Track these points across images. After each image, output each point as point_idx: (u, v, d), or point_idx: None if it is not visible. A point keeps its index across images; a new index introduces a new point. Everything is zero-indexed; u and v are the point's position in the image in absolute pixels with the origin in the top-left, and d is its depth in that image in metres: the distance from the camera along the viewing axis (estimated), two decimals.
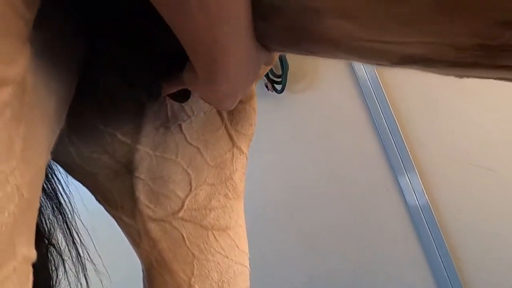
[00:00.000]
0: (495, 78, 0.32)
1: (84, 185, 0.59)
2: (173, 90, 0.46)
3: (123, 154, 0.55)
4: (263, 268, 1.67)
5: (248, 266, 0.56)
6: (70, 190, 0.66)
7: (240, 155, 0.57)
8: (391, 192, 1.49)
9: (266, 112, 1.64)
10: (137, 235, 0.55)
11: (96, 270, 0.68)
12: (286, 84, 1.59)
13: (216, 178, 0.55)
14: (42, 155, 0.30)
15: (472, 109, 1.37)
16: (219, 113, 0.56)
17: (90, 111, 0.54)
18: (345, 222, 1.58)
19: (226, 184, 0.56)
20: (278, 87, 1.62)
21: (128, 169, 0.56)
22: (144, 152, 0.55)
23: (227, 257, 0.53)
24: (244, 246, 0.57)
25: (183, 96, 0.52)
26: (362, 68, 1.49)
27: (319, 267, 1.64)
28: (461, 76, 0.34)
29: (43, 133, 0.30)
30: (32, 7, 0.25)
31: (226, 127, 0.56)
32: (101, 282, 0.72)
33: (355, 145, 1.54)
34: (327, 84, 1.58)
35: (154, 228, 0.53)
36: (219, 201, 0.55)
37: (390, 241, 1.51)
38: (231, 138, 0.56)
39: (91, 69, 0.45)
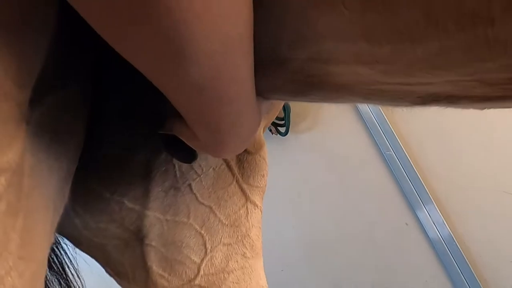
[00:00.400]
0: None
1: (92, 257, 0.56)
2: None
3: (132, 222, 0.53)
4: None
5: None
6: (77, 263, 0.63)
7: (255, 209, 0.54)
8: (410, 227, 1.44)
9: (272, 156, 1.62)
10: None
11: None
12: (290, 126, 1.58)
13: (232, 237, 0.52)
14: (43, 245, 0.27)
15: (484, 131, 1.34)
16: (229, 168, 0.54)
17: (95, 179, 0.52)
18: (366, 263, 1.52)
19: (243, 242, 0.52)
20: (282, 129, 1.61)
21: (138, 237, 0.53)
22: (154, 217, 0.52)
23: None
24: None
25: (189, 155, 0.49)
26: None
27: None
28: (483, 108, 0.32)
29: (44, 219, 0.27)
30: (26, 87, 0.24)
31: (237, 182, 0.54)
32: None
33: (366, 181, 1.51)
34: (331, 121, 1.57)
35: None
36: (237, 261, 0.51)
37: (416, 278, 1.44)
38: (243, 192, 0.54)
39: (94, 136, 0.44)
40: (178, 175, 0.53)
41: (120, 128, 0.50)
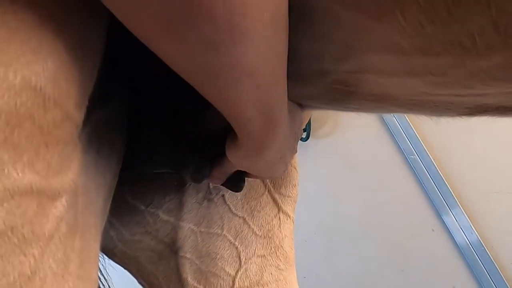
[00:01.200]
0: None
1: (126, 269, 0.57)
2: (219, 174, 0.44)
3: (166, 234, 0.53)
4: None
5: None
6: (108, 273, 0.63)
7: (287, 219, 0.54)
8: (437, 233, 1.42)
9: None
10: None
11: None
12: (311, 131, 1.58)
13: (265, 248, 0.52)
14: (96, 263, 0.28)
15: (510, 134, 1.31)
16: None
17: (130, 192, 0.53)
18: (391, 269, 1.49)
19: (276, 254, 0.52)
20: (303, 135, 1.61)
21: (172, 249, 0.53)
22: (188, 229, 0.52)
23: None
24: None
25: (237, 185, 0.49)
26: None
27: None
28: None
29: (95, 237, 0.28)
30: (82, 107, 0.24)
31: (269, 192, 0.54)
32: None
33: (390, 186, 1.49)
34: (352, 125, 1.56)
35: None
36: (271, 274, 0.51)
37: (445, 284, 1.42)
38: (275, 202, 0.54)
39: (131, 154, 0.45)
40: (211, 187, 0.54)
41: (156, 143, 0.51)
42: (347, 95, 0.33)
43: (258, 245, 0.52)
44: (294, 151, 0.44)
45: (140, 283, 0.55)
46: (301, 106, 0.43)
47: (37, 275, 0.19)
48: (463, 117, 0.31)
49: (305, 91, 0.37)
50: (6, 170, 0.18)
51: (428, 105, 0.30)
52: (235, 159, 0.38)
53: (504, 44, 0.20)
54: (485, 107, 0.28)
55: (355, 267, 1.55)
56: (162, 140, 0.49)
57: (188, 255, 0.51)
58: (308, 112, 0.60)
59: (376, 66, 0.27)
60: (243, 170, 0.43)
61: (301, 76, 0.33)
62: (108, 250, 0.56)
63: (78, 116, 0.23)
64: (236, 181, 0.47)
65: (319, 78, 0.32)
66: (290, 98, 0.35)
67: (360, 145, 1.54)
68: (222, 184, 0.47)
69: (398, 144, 1.46)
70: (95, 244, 0.29)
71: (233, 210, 0.53)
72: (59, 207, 0.21)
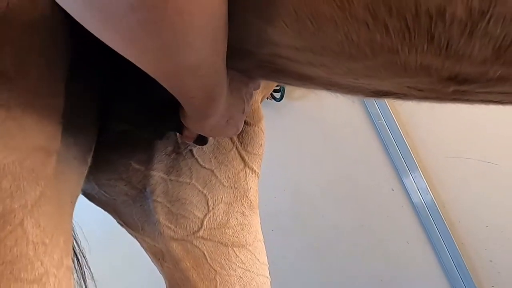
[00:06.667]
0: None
1: (105, 210, 0.62)
2: (189, 134, 0.50)
3: (138, 181, 0.59)
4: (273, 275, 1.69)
5: (269, 276, 0.59)
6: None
7: (252, 174, 0.60)
8: (396, 192, 1.52)
9: (267, 120, 1.66)
10: (160, 254, 0.58)
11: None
12: (285, 92, 1.62)
13: (231, 197, 0.58)
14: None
15: (472, 106, 1.39)
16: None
17: (107, 146, 0.58)
18: (351, 225, 1.61)
19: (242, 202, 0.58)
20: (277, 95, 1.65)
21: (144, 194, 0.59)
22: (159, 177, 0.58)
23: (249, 270, 0.56)
24: (264, 258, 0.60)
25: (202, 141, 0.55)
26: None
27: (328, 270, 1.66)
28: (434, 103, 0.38)
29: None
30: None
31: (237, 148, 0.59)
32: None
33: (357, 148, 1.57)
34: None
35: (176, 247, 0.56)
36: (236, 219, 0.58)
37: (398, 240, 1.54)
38: (242, 158, 0.59)
39: (108, 120, 0.50)
40: (179, 141, 0.59)
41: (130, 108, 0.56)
42: (275, 72, 0.38)
43: (225, 194, 0.58)
44: (244, 112, 0.49)
45: (118, 222, 0.61)
46: (252, 78, 0.48)
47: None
48: (371, 98, 0.36)
49: (242, 66, 0.41)
50: None
51: (339, 87, 0.36)
52: (187, 125, 0.44)
53: (359, 55, 0.25)
54: (384, 92, 0.34)
55: (319, 221, 1.66)
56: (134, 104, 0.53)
57: (159, 199, 0.57)
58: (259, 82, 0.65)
59: (285, 55, 0.32)
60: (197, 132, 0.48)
61: (236, 53, 0.38)
62: (89, 194, 0.61)
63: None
64: (201, 138, 0.53)
65: (249, 57, 0.37)
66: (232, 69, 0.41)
67: (331, 109, 1.60)
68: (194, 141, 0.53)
69: (368, 110, 1.53)
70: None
71: (201, 162, 0.58)
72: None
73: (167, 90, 0.33)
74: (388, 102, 1.50)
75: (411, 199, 1.49)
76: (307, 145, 1.65)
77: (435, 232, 1.46)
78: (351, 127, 1.57)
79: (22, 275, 0.34)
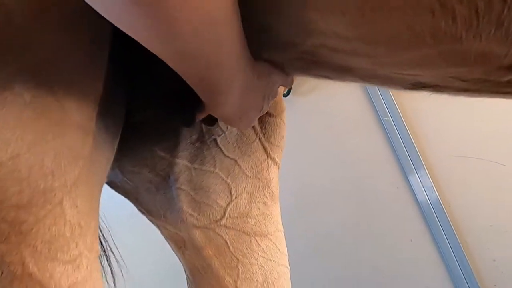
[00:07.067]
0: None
1: (127, 198, 0.63)
2: (203, 115, 0.50)
3: (162, 168, 0.59)
4: None
5: (288, 266, 0.60)
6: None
7: (274, 165, 0.61)
8: (401, 190, 1.53)
9: None
10: (182, 242, 0.58)
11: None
12: (292, 87, 1.62)
13: (254, 187, 0.59)
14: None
15: (480, 101, 1.39)
16: (252, 127, 0.60)
17: (131, 136, 0.58)
18: (356, 222, 1.61)
19: (264, 192, 0.59)
20: (284, 90, 1.65)
21: (168, 182, 0.60)
22: (183, 165, 0.59)
23: (270, 259, 0.57)
24: (284, 248, 0.60)
25: (211, 120, 0.55)
26: None
27: (331, 268, 1.67)
28: (460, 96, 0.38)
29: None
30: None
31: (260, 140, 0.60)
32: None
33: (363, 145, 1.57)
34: (332, 85, 1.61)
35: (198, 235, 0.56)
36: (259, 208, 0.58)
37: (402, 239, 1.55)
38: (265, 149, 0.60)
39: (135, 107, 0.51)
40: (204, 130, 0.59)
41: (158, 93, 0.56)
42: (315, 64, 0.39)
43: (248, 183, 0.59)
44: (262, 111, 0.49)
45: (139, 210, 0.62)
46: (285, 72, 0.48)
47: None
48: (408, 90, 0.37)
49: (280, 58, 0.42)
50: None
51: (378, 79, 0.36)
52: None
53: (419, 44, 0.26)
54: (424, 85, 0.34)
55: (322, 218, 1.66)
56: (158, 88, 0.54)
57: (183, 187, 0.58)
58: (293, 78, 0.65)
59: (332, 45, 0.33)
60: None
61: (276, 45, 0.38)
62: (112, 182, 0.62)
63: None
64: (210, 118, 0.53)
65: (291, 48, 0.38)
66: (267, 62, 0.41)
67: (338, 105, 1.60)
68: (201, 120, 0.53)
69: (375, 107, 1.53)
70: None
71: (225, 152, 0.59)
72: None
73: None
74: (395, 99, 1.50)
75: (416, 197, 1.50)
76: (312, 141, 1.65)
77: (439, 231, 1.47)
78: (357, 124, 1.57)
79: (58, 255, 0.34)
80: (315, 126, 1.64)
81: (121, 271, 0.61)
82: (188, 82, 0.35)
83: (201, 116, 0.51)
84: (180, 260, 0.62)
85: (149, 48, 0.29)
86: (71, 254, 0.35)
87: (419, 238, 1.52)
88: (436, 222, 1.47)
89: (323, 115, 1.63)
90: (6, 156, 0.29)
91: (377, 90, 1.52)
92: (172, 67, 0.32)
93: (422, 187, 1.48)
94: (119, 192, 0.62)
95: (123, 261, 0.67)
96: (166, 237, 0.62)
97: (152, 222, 0.62)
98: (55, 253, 0.34)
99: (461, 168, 1.44)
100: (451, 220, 1.45)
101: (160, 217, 0.60)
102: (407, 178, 1.51)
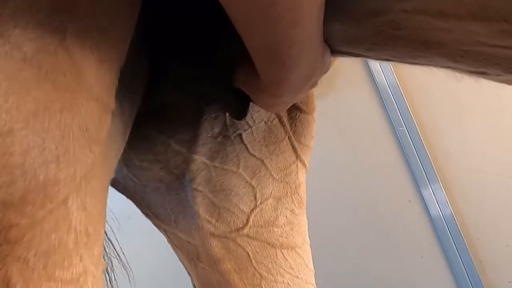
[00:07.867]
0: None
1: (130, 198, 0.55)
2: (240, 82, 0.43)
3: (177, 165, 0.51)
4: None
5: (315, 285, 0.52)
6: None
7: (303, 168, 0.54)
8: (413, 204, 1.46)
9: None
10: (194, 253, 0.50)
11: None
12: None
13: (281, 192, 0.51)
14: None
15: (498, 116, 1.34)
16: (282, 124, 0.52)
17: (144, 118, 0.50)
18: (367, 235, 1.54)
19: (292, 198, 0.51)
20: None
21: (182, 181, 0.51)
22: (201, 162, 0.51)
23: (297, 276, 0.49)
24: (311, 263, 0.53)
25: (240, 113, 0.49)
26: (381, 73, 1.46)
27: (342, 281, 1.59)
28: None
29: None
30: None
31: (289, 138, 0.52)
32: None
33: (375, 154, 1.51)
34: (345, 89, 1.55)
35: (216, 246, 0.48)
36: (286, 217, 0.51)
37: (412, 255, 1.48)
38: (295, 150, 0.52)
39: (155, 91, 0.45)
40: (228, 123, 0.52)
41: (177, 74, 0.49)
42: (393, 40, 0.32)
43: (275, 187, 0.51)
44: (302, 95, 0.44)
45: (144, 212, 0.54)
46: (337, 52, 0.41)
47: None
48: (507, 75, 0.30)
49: (351, 33, 0.35)
50: None
51: (477, 58, 0.29)
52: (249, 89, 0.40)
53: None
54: None
55: (329, 228, 1.59)
56: (190, 70, 0.47)
57: (200, 188, 0.50)
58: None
59: (439, 7, 0.25)
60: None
61: (354, 14, 0.32)
62: (113, 178, 0.54)
63: None
64: (240, 111, 0.49)
65: (371, 18, 0.31)
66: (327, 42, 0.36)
67: (351, 111, 1.54)
68: (227, 110, 0.49)
69: (389, 115, 1.47)
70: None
71: (251, 150, 0.51)
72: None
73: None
74: (410, 108, 1.44)
75: (429, 211, 1.43)
76: (323, 149, 1.58)
77: (453, 248, 1.40)
78: (370, 132, 1.51)
79: (57, 273, 0.25)
80: (326, 133, 1.57)
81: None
82: (256, 51, 0.30)
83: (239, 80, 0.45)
84: (189, 273, 0.54)
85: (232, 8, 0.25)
86: (74, 272, 0.26)
87: (430, 255, 1.45)
88: (449, 239, 1.40)
89: (335, 122, 1.57)
90: None
91: (392, 98, 1.46)
92: (244, 30, 0.27)
93: (435, 201, 1.41)
94: (120, 191, 0.53)
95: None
96: (174, 246, 0.53)
97: (159, 228, 0.54)
98: (53, 270, 0.25)
99: (477, 183, 1.38)
100: (465, 238, 1.38)
101: (170, 223, 0.52)
102: (420, 191, 1.44)
